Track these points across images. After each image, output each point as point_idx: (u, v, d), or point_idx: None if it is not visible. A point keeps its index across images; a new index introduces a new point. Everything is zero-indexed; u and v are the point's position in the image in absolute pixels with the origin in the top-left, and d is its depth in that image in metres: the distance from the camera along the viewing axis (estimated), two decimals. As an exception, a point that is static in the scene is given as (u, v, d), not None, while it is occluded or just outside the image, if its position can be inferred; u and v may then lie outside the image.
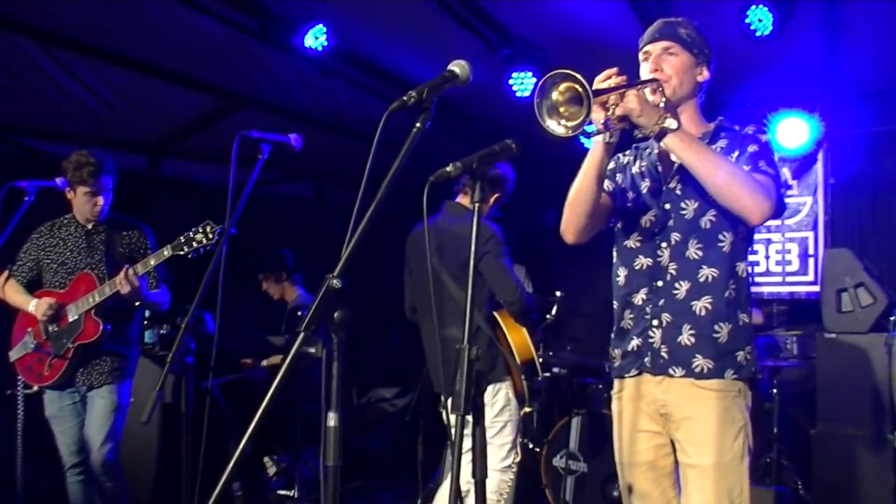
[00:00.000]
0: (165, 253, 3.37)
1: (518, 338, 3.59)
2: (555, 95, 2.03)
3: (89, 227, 3.77)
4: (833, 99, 5.22)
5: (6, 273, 3.79)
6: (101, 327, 3.57)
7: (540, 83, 2.02)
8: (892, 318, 4.37)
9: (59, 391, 3.67)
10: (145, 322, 4.76)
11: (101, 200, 3.67)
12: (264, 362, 5.48)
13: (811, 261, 5.64)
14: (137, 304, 3.60)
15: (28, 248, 3.80)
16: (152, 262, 3.46)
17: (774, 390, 4.60)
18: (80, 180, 3.63)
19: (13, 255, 3.78)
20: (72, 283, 3.68)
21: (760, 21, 4.04)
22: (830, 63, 4.78)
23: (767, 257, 5.78)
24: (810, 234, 5.66)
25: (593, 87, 2.05)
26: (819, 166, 5.62)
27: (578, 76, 1.96)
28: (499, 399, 3.49)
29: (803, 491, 4.52)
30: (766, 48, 4.26)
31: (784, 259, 5.74)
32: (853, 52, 4.67)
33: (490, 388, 3.46)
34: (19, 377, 3.76)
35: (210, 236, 3.24)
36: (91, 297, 3.56)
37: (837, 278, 4.60)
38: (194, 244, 3.27)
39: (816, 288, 5.34)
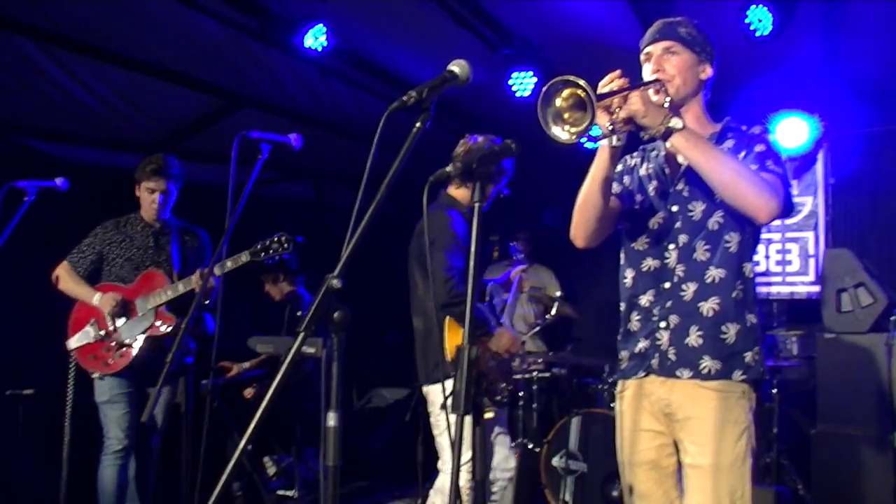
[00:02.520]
0: (244, 258, 3.61)
1: (452, 337, 3.42)
2: (558, 102, 2.02)
3: (157, 227, 3.98)
4: (833, 99, 5.22)
5: (64, 263, 3.96)
6: (174, 321, 3.77)
7: (543, 91, 2.01)
8: (892, 318, 4.37)
9: (120, 378, 3.82)
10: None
11: (157, 198, 3.88)
12: (246, 364, 5.46)
13: (811, 261, 5.64)
14: (206, 302, 3.72)
15: (92, 242, 3.98)
16: (229, 265, 3.64)
17: (775, 390, 4.60)
18: (141, 177, 3.87)
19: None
20: (139, 278, 3.87)
21: (760, 21, 4.04)
22: (830, 63, 4.78)
23: (767, 257, 5.78)
24: (810, 234, 5.66)
25: (596, 92, 2.05)
26: (819, 166, 5.62)
27: (581, 82, 1.95)
28: (439, 398, 3.50)
29: (803, 491, 4.52)
30: (765, 48, 4.25)
31: (784, 259, 5.74)
32: (853, 52, 4.67)
33: (433, 387, 3.50)
34: (72, 365, 3.89)
35: (286, 246, 3.57)
36: (164, 293, 3.77)
37: (837, 278, 4.60)
38: (271, 252, 3.57)
39: (817, 288, 5.34)
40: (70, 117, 5.04)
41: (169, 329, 3.78)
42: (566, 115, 2.03)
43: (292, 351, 1.50)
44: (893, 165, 5.40)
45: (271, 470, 5.52)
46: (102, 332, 3.84)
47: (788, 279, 5.72)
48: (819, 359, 4.66)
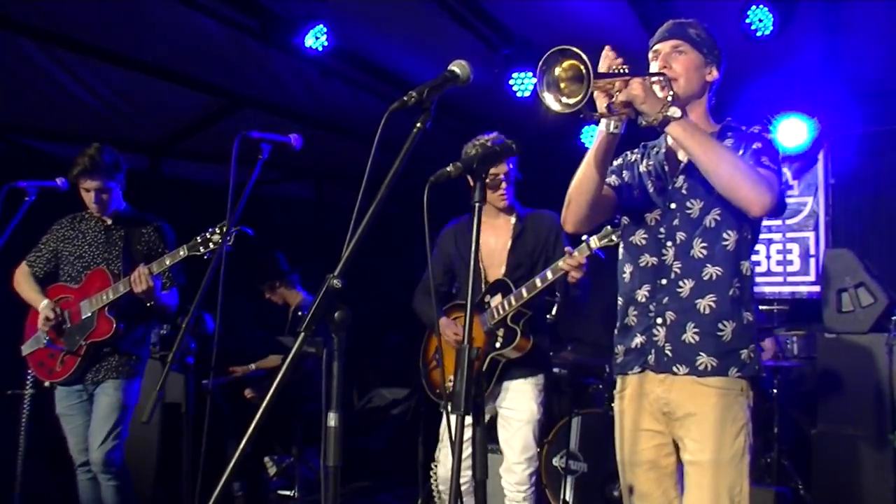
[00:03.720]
0: (181, 253, 3.39)
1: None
2: (557, 71, 2.01)
3: (108, 222, 3.75)
4: (833, 99, 5.22)
5: (23, 264, 3.78)
6: (114, 325, 3.55)
7: (545, 56, 2.00)
8: (892, 318, 4.37)
9: (68, 388, 3.65)
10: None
11: (92, 197, 3.64)
12: (253, 365, 5.46)
13: (812, 261, 5.64)
14: (150, 304, 3.56)
15: (48, 239, 3.79)
16: (168, 262, 3.45)
17: (775, 390, 4.60)
18: (73, 179, 3.61)
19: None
20: (86, 277, 3.66)
21: (761, 21, 4.05)
22: (830, 63, 4.78)
23: (768, 257, 5.78)
24: (811, 234, 5.66)
25: (598, 70, 2.04)
26: (819, 166, 5.62)
27: (583, 55, 1.95)
28: None
29: (803, 491, 4.52)
30: (766, 48, 4.26)
31: (785, 259, 5.74)
32: (853, 53, 4.67)
33: None
34: (29, 372, 3.76)
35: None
36: (105, 294, 3.55)
37: (838, 278, 4.60)
38: (210, 245, 3.30)
39: (817, 288, 5.33)
40: (70, 117, 5.04)
41: (109, 335, 3.55)
42: (562, 86, 2.02)
43: (293, 351, 1.50)
44: (893, 165, 5.40)
45: (272, 470, 5.52)
46: (49, 339, 3.64)
47: (789, 279, 5.71)
48: (819, 359, 4.66)
